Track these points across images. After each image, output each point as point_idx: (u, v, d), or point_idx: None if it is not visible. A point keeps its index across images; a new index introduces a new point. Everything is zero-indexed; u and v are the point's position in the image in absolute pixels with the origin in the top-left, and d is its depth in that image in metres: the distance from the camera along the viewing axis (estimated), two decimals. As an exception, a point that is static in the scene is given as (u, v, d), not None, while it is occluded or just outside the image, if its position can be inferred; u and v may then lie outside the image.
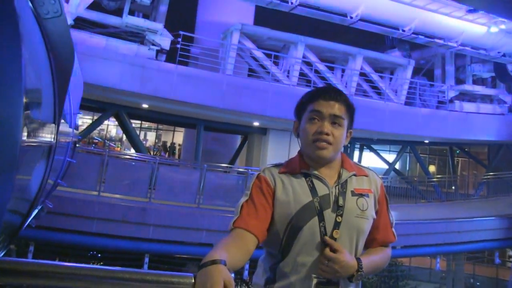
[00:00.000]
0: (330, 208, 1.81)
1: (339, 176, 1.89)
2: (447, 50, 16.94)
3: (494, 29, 15.40)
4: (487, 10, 13.73)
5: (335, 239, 1.77)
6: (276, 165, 1.96)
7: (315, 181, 1.86)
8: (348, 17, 13.58)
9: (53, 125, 2.03)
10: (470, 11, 14.38)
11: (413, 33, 14.54)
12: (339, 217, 1.80)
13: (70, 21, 9.34)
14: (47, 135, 1.90)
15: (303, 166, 1.90)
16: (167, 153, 28.86)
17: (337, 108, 1.85)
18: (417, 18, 14.17)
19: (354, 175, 1.92)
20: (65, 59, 2.10)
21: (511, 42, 15.87)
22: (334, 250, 1.72)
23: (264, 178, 1.87)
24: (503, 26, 15.28)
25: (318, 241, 1.77)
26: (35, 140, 1.58)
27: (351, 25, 13.91)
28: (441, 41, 15.28)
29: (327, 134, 1.82)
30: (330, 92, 1.89)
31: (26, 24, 1.33)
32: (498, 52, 16.16)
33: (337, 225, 1.79)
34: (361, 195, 1.87)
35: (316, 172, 1.87)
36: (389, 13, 14.03)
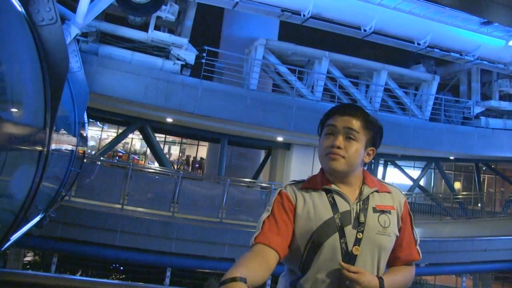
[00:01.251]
0: (351, 225, 1.78)
1: (361, 192, 1.87)
2: (472, 66, 16.63)
3: None
4: (501, 23, 13.49)
5: (355, 256, 1.75)
6: (298, 182, 1.95)
7: (336, 197, 1.84)
8: (362, 30, 13.46)
9: (44, 131, 2.02)
10: (484, 24, 14.09)
11: (428, 46, 14.30)
12: (360, 234, 1.77)
13: (77, 31, 9.44)
14: (35, 141, 1.89)
15: (324, 182, 1.88)
16: (190, 167, 28.99)
17: (352, 123, 1.85)
18: (432, 31, 13.95)
19: (376, 191, 1.90)
20: (59, 66, 2.11)
21: None
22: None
23: (286, 194, 1.86)
24: None
25: (339, 258, 1.74)
26: (18, 146, 1.57)
27: (365, 37, 13.77)
28: (457, 55, 15.00)
29: (338, 147, 1.82)
30: (346, 108, 1.89)
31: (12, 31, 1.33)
32: None
33: (357, 241, 1.77)
34: (383, 212, 1.85)
35: (337, 188, 1.86)
36: (403, 26, 13.86)
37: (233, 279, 1.41)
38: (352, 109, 1.88)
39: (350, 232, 1.77)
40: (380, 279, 1.74)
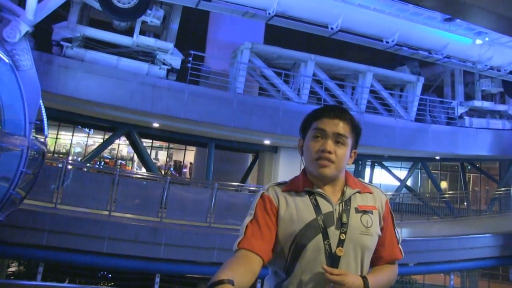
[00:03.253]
0: (334, 226, 1.79)
1: (343, 193, 1.88)
2: (466, 68, 16.72)
3: (479, 41, 15.10)
4: (462, 18, 13.53)
5: (339, 257, 1.75)
6: (280, 184, 1.94)
7: (319, 199, 1.84)
8: (329, 28, 13.43)
9: None
10: (447, 21, 14.14)
11: (397, 44, 14.29)
12: (343, 235, 1.78)
13: (27, 28, 9.19)
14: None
15: (306, 184, 1.88)
16: (178, 172, 28.94)
17: (341, 127, 1.84)
18: (400, 30, 13.91)
19: (358, 192, 1.90)
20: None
21: (498, 55, 15.61)
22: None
23: (268, 197, 1.86)
24: (487, 38, 15.05)
25: (323, 259, 1.74)
26: None
27: (332, 36, 13.64)
28: (426, 53, 15.06)
29: (329, 152, 1.80)
30: (335, 111, 1.88)
31: None
32: (486, 65, 15.85)
33: (341, 242, 1.77)
34: (365, 212, 1.85)
35: (319, 190, 1.85)
36: (370, 24, 13.75)
37: (221, 282, 1.42)
38: (340, 112, 1.87)
39: (333, 233, 1.78)
40: (364, 278, 1.75)
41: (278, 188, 1.90)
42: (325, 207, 1.82)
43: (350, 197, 1.87)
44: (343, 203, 1.85)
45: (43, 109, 9.23)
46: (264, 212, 1.82)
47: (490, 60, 15.67)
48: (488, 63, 15.76)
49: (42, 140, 9.27)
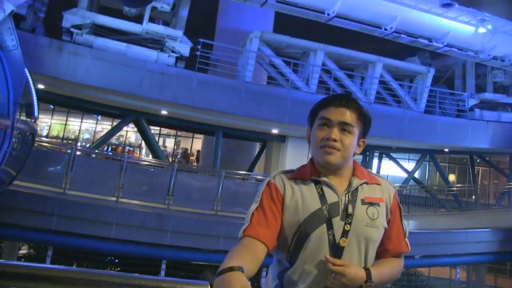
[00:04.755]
0: (339, 216, 1.78)
1: (350, 183, 1.86)
2: (468, 58, 16.49)
3: (482, 30, 14.77)
4: (460, 3, 13.21)
5: (342, 247, 1.75)
6: (287, 171, 1.94)
7: (325, 188, 1.83)
8: (326, 14, 13.20)
9: None
10: (445, 6, 13.72)
11: (396, 32, 14.07)
12: (348, 225, 1.77)
13: (12, 7, 8.86)
14: None
15: (313, 172, 1.87)
16: (187, 160, 29.02)
17: (347, 116, 1.83)
18: (399, 16, 13.63)
19: (366, 183, 1.89)
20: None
21: (502, 44, 15.32)
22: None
23: (274, 185, 1.85)
24: (490, 26, 14.72)
25: (326, 250, 1.74)
26: None
27: (328, 22, 13.42)
28: (425, 41, 14.80)
29: (334, 140, 1.80)
30: (342, 99, 1.86)
31: None
32: (488, 55, 15.57)
33: (345, 233, 1.76)
34: (371, 204, 1.84)
35: (326, 179, 1.85)
36: (368, 10, 13.51)
37: (231, 269, 1.41)
38: (347, 101, 1.86)
39: (337, 223, 1.77)
40: (367, 270, 1.74)
41: (284, 176, 1.90)
42: (331, 197, 1.81)
43: (357, 188, 1.85)
44: (350, 193, 1.83)
45: (33, 91, 9.18)
46: (270, 200, 1.81)
47: (494, 50, 15.40)
48: (491, 53, 15.49)
49: (32, 121, 9.24)
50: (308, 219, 1.76)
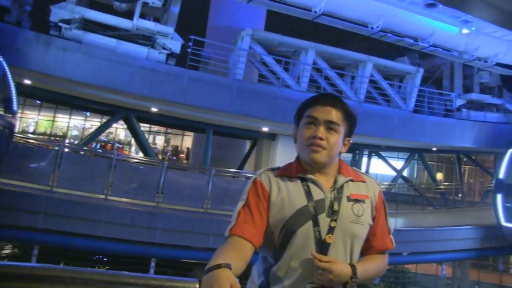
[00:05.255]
0: (325, 213, 1.80)
1: (335, 181, 1.89)
2: (452, 58, 16.58)
3: (465, 31, 14.88)
4: (444, 3, 13.25)
5: (328, 244, 1.77)
6: (274, 169, 1.96)
7: (311, 186, 1.85)
8: (313, 12, 13.14)
9: None
10: (429, 6, 13.78)
11: (382, 30, 14.12)
12: (334, 222, 1.79)
13: None
14: None
15: (300, 170, 1.90)
16: (177, 157, 28.99)
17: (333, 114, 1.86)
18: (385, 15, 13.68)
19: (351, 180, 1.91)
20: None
21: (485, 45, 15.48)
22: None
23: (260, 182, 1.88)
24: (474, 28, 14.82)
25: (312, 246, 1.76)
26: None
27: (315, 19, 13.44)
28: (411, 40, 14.88)
29: (320, 138, 1.82)
30: (328, 98, 1.90)
31: None
32: (472, 56, 15.72)
33: (331, 230, 1.78)
34: (357, 201, 1.86)
35: (312, 177, 1.87)
36: (354, 8, 13.53)
37: (219, 266, 1.42)
38: (333, 100, 1.89)
39: (323, 220, 1.79)
40: (353, 266, 1.76)
41: (271, 173, 1.93)
42: (317, 194, 1.83)
43: (343, 185, 1.88)
44: (335, 191, 1.86)
45: (11, 83, 9.06)
46: (256, 198, 1.84)
47: (477, 51, 15.56)
48: (475, 54, 15.65)
49: (10, 116, 9.13)
50: (294, 216, 1.78)
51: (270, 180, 1.88)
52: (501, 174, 16.28)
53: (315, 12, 13.06)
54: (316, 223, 1.77)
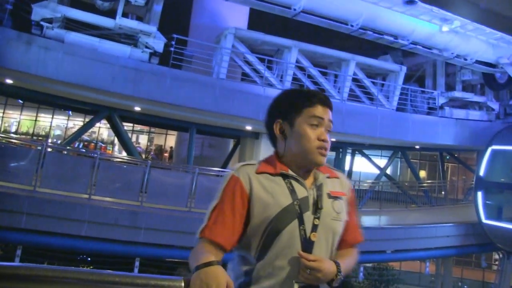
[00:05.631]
0: (309, 211, 1.78)
1: (316, 178, 1.88)
2: (433, 56, 16.68)
3: (445, 28, 14.87)
4: (422, 1, 13.32)
5: (313, 242, 1.76)
6: (252, 164, 1.88)
7: (294, 183, 1.82)
8: (292, 9, 13.02)
9: None
10: (408, 3, 13.66)
11: (361, 28, 14.12)
12: (317, 220, 1.78)
13: None
14: None
15: (282, 167, 1.85)
16: (161, 157, 28.81)
17: (330, 116, 1.88)
18: (365, 13, 13.67)
19: (328, 177, 1.92)
20: None
21: (464, 43, 15.58)
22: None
23: (238, 180, 1.80)
24: (453, 26, 14.76)
25: (297, 245, 1.74)
26: None
27: (294, 17, 13.44)
28: (391, 38, 14.94)
29: (328, 142, 1.84)
30: (327, 99, 1.91)
31: None
32: (452, 53, 15.79)
33: (315, 228, 1.77)
34: (336, 198, 1.87)
35: (294, 174, 1.84)
36: (334, 6, 13.47)
37: (211, 263, 1.43)
38: (330, 101, 1.91)
39: (308, 218, 1.77)
40: (336, 263, 1.76)
41: (250, 169, 1.85)
42: (300, 191, 1.81)
43: (322, 182, 1.88)
44: (316, 188, 1.85)
45: None
46: (231, 197, 1.77)
47: (457, 48, 15.65)
48: (454, 51, 15.75)
49: None
50: (280, 214, 1.74)
51: (250, 177, 1.80)
52: (481, 172, 16.49)
53: (295, 9, 13.04)
54: (301, 222, 1.75)
